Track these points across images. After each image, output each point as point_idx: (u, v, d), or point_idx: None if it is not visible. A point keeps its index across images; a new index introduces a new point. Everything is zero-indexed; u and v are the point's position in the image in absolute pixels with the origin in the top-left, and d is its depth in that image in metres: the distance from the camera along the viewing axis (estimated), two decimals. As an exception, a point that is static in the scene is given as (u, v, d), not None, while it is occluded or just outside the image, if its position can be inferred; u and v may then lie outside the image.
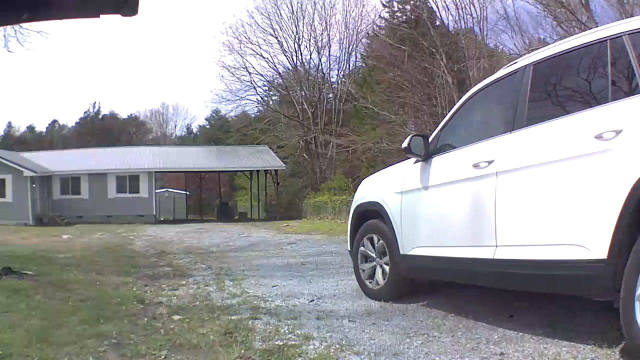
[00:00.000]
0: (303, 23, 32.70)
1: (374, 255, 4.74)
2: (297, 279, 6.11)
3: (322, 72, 34.43)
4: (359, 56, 34.81)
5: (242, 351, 3.25)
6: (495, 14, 29.71)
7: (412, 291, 4.63)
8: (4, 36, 13.83)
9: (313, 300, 4.81)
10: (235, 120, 41.23)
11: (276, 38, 32.80)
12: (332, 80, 35.39)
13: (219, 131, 47.16)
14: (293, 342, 3.43)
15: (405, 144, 4.19)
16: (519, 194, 3.21)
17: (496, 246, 3.32)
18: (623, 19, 15.44)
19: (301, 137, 33.22)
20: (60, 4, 2.56)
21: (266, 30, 32.64)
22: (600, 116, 2.80)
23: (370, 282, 4.79)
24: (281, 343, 3.42)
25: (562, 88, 3.41)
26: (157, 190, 29.68)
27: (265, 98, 37.09)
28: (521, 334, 3.44)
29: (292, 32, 32.70)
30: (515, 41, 27.85)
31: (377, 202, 4.66)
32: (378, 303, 4.56)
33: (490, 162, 3.41)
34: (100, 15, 2.60)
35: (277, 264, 7.58)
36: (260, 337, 3.59)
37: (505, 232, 3.28)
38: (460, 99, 4.19)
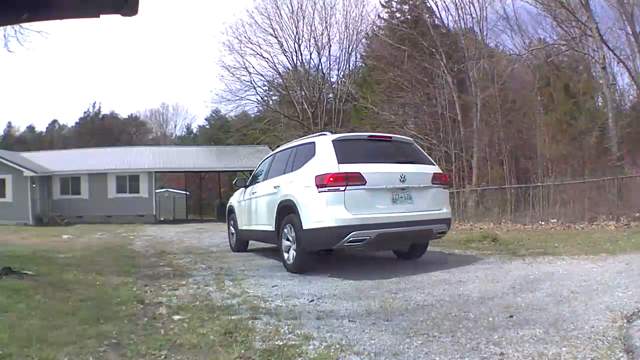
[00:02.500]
0: (303, 23, 32.65)
1: (233, 230, 9.67)
2: (297, 278, 6.11)
3: (322, 72, 34.39)
4: (359, 56, 34.80)
5: (242, 351, 3.26)
6: (495, 14, 29.77)
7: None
8: (4, 36, 13.83)
9: (313, 300, 4.81)
10: (235, 120, 41.17)
11: (276, 38, 32.75)
12: (332, 80, 35.34)
13: (219, 131, 47.12)
14: (293, 342, 3.44)
15: (234, 182, 10.15)
16: (259, 206, 7.90)
17: (256, 224, 8.05)
18: (623, 19, 15.34)
19: (301, 137, 33.19)
20: (60, 4, 2.57)
21: (266, 30, 32.59)
22: (278, 179, 7.21)
23: (231, 243, 9.92)
24: (281, 343, 3.42)
25: (277, 165, 7.78)
26: (157, 190, 29.63)
27: (265, 98, 37.03)
28: (521, 334, 3.44)
29: (292, 32, 32.65)
30: (515, 41, 27.96)
31: (232, 205, 9.77)
32: (378, 303, 4.58)
33: (256, 192, 8.16)
34: (100, 15, 2.60)
35: (277, 264, 7.57)
36: (260, 337, 3.59)
37: (258, 220, 7.98)
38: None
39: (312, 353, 3.21)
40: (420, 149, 7.44)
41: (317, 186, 6.01)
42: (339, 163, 6.03)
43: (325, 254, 7.32)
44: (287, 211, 6.63)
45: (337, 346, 3.34)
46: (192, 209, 40.65)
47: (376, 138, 7.19)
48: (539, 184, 15.24)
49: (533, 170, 19.34)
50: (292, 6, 32.09)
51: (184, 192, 40.70)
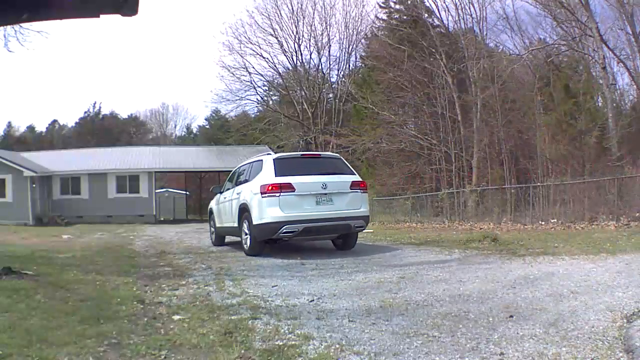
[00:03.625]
0: (303, 23, 32.71)
1: (213, 227, 11.23)
2: (297, 279, 6.11)
3: (322, 72, 34.45)
4: (358, 56, 34.87)
5: (242, 351, 3.25)
6: (495, 14, 29.76)
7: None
8: (4, 36, 13.83)
9: (313, 300, 4.81)
10: (235, 120, 41.15)
11: (276, 38, 32.80)
12: (332, 80, 35.42)
13: (219, 131, 47.10)
14: (293, 342, 3.43)
15: (211, 189, 11.97)
16: (228, 208, 9.75)
17: (227, 222, 9.90)
18: (623, 19, 15.32)
19: (301, 137, 33.21)
20: (60, 4, 2.57)
21: (266, 30, 32.64)
22: (240, 188, 9.29)
23: (212, 239, 11.38)
24: (281, 343, 3.42)
25: (240, 177, 9.75)
26: (157, 190, 29.63)
27: (265, 98, 37.09)
28: (521, 334, 3.44)
29: (292, 32, 32.71)
30: (515, 41, 27.93)
31: (211, 208, 11.47)
32: (378, 303, 4.58)
33: (226, 197, 10.04)
34: (100, 15, 2.61)
35: (276, 264, 7.58)
36: (260, 337, 3.59)
37: (227, 218, 9.86)
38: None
39: (312, 353, 3.21)
40: (346, 162, 9.42)
41: (261, 193, 8.10)
42: (276, 176, 8.17)
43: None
44: (244, 211, 8.71)
45: (337, 346, 3.33)
46: (192, 209, 40.55)
47: (308, 156, 9.83)
48: (539, 184, 15.23)
49: (533, 170, 19.35)
50: (292, 6, 32.17)
51: (184, 192, 40.67)
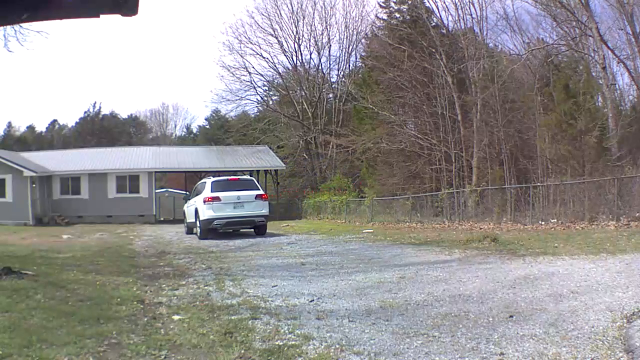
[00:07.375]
0: (303, 23, 32.71)
1: (185, 222, 16.64)
2: (297, 279, 6.11)
3: (322, 72, 34.45)
4: (358, 56, 34.83)
5: (242, 351, 3.26)
6: (495, 14, 29.75)
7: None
8: (4, 36, 13.80)
9: (313, 300, 4.81)
10: (235, 120, 41.09)
11: (276, 38, 32.79)
12: (332, 80, 35.40)
13: (219, 131, 47.01)
14: (293, 342, 3.44)
15: (183, 197, 22.67)
16: (190, 210, 15.30)
17: (190, 219, 15.19)
18: (623, 19, 15.24)
19: (301, 137, 33.20)
20: (60, 4, 2.57)
21: (266, 30, 32.63)
22: (195, 198, 14.74)
23: (185, 230, 16.29)
24: (281, 343, 3.42)
25: (197, 190, 15.27)
26: (157, 190, 29.61)
27: (265, 98, 37.07)
28: (521, 334, 3.44)
29: (292, 32, 32.70)
30: (515, 41, 27.91)
31: (184, 209, 17.30)
32: (378, 303, 4.58)
33: (190, 203, 15.76)
34: (100, 15, 2.60)
35: (277, 264, 7.58)
36: (260, 337, 3.59)
37: (190, 217, 15.16)
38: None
39: (312, 353, 3.21)
40: (256, 182, 15.52)
41: (204, 202, 13.32)
42: (211, 192, 13.45)
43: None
44: (196, 212, 13.84)
45: (337, 346, 3.34)
46: (192, 209, 40.50)
47: (231, 179, 15.01)
48: (539, 184, 15.21)
49: (533, 170, 19.33)
50: (292, 6, 32.16)
51: (184, 192, 40.64)
